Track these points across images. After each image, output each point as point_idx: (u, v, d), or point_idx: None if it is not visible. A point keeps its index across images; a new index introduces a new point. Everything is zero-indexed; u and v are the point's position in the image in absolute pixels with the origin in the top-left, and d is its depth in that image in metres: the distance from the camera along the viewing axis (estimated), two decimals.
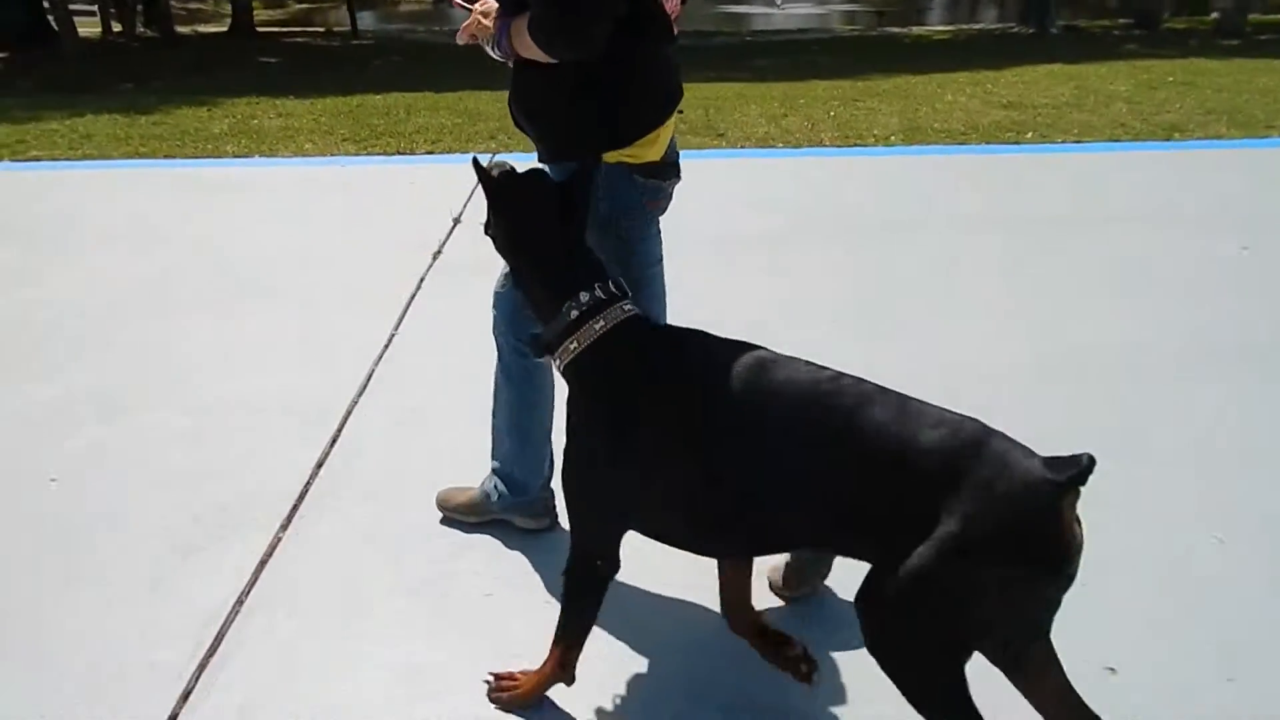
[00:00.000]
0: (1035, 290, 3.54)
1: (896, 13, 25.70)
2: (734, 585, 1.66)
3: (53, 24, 17.58)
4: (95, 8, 21.04)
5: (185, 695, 1.68)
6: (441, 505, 2.14)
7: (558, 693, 1.62)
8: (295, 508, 2.23)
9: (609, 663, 1.71)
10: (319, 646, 1.81)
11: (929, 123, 6.75)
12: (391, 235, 4.20)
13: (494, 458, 2.06)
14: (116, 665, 1.77)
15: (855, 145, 6.08)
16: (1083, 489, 1.16)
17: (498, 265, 1.76)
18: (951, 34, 19.77)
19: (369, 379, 2.84)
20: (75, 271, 3.88)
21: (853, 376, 1.33)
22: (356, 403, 2.71)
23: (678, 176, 1.81)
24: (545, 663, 1.58)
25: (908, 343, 3.05)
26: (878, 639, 1.26)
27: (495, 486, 2.06)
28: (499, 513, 2.07)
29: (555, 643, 1.56)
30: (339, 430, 2.56)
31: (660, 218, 1.87)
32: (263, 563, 2.04)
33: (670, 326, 1.57)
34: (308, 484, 2.32)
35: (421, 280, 3.61)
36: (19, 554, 2.12)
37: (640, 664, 1.73)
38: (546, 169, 1.66)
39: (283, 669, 1.75)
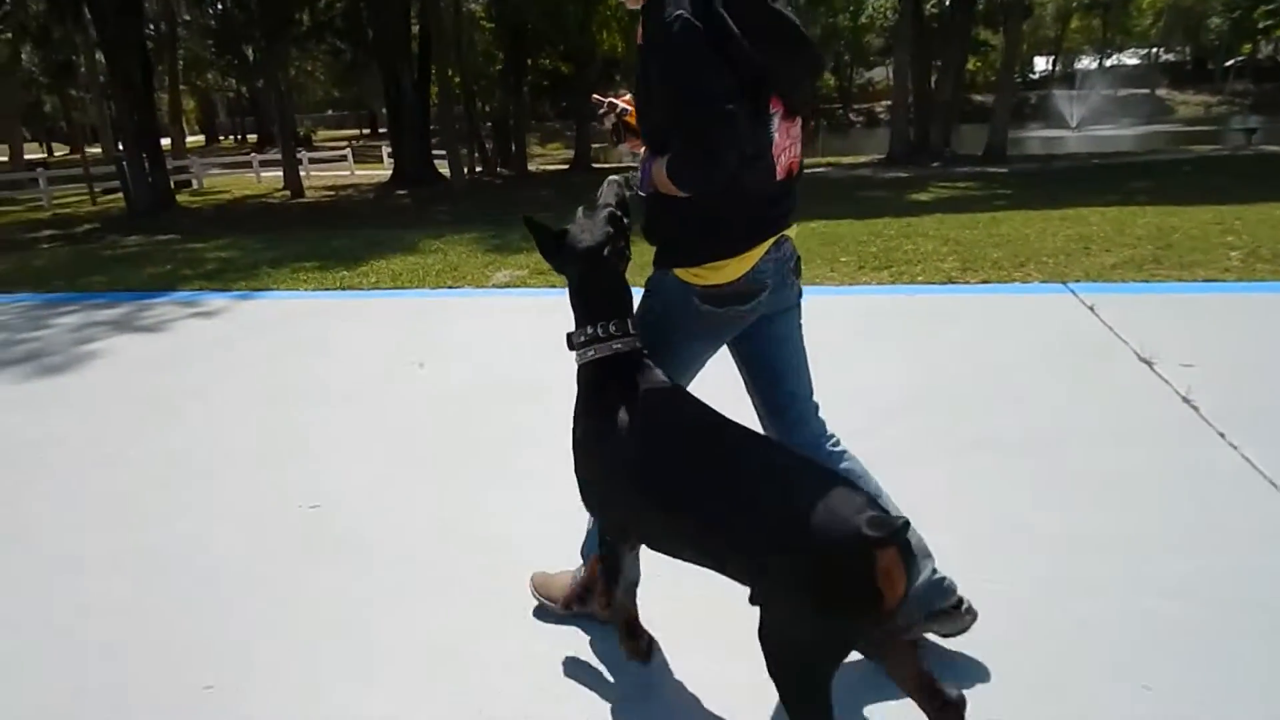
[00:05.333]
0: None
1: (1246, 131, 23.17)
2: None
3: (436, 168, 20.29)
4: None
5: None
6: (536, 590, 2.25)
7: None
8: None
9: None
10: None
11: None
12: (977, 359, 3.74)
13: (582, 554, 2.19)
14: None
15: None
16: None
17: None
18: None
19: None
20: None
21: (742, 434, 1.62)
22: None
23: (741, 304, 1.82)
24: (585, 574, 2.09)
25: None
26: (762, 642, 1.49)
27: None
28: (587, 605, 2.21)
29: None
30: None
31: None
32: None
33: (644, 374, 1.76)
34: None
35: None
36: None
37: None
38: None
39: None
